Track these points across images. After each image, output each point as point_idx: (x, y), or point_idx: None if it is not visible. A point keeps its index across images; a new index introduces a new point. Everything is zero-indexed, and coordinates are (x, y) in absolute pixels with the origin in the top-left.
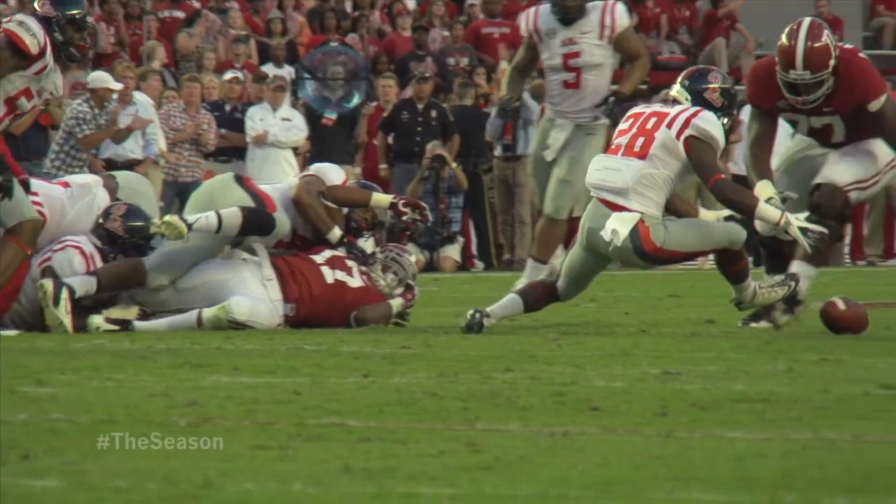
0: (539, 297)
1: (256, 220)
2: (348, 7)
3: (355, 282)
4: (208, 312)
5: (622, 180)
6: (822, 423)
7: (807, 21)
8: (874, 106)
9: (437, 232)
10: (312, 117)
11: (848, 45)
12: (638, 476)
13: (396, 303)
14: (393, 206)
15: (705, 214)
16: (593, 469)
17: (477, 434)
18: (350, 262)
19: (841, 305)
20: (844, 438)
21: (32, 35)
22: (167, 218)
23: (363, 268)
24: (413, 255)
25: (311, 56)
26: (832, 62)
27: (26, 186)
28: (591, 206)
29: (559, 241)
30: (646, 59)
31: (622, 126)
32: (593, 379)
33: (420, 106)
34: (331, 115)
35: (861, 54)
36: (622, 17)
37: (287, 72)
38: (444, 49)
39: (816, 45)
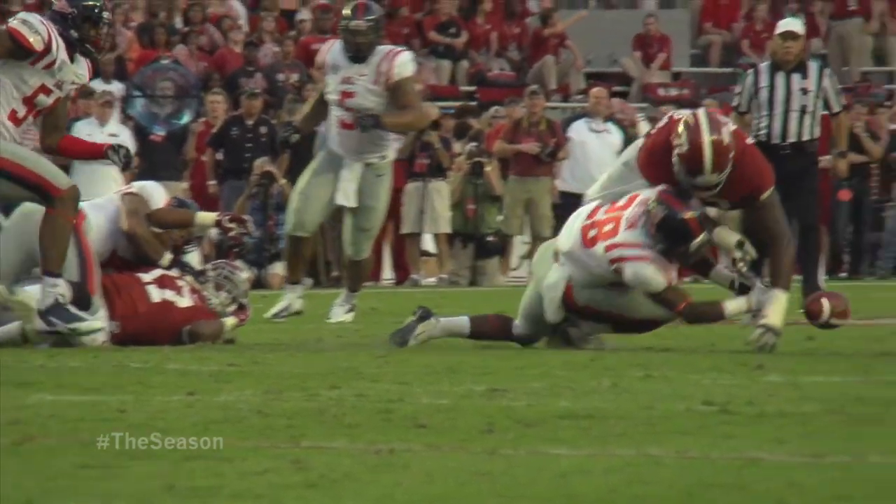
0: (492, 328)
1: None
2: (178, 22)
3: (185, 301)
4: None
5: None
6: (646, 439)
7: (703, 118)
8: (763, 197)
9: (265, 248)
10: (141, 133)
11: (731, 126)
12: (463, 493)
13: (230, 321)
14: (218, 223)
15: (721, 233)
16: (418, 486)
17: (302, 452)
18: (181, 282)
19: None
20: (668, 454)
21: (35, 32)
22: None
23: (196, 286)
24: (245, 273)
25: (141, 73)
26: (731, 154)
27: None
28: (540, 250)
29: (369, 270)
30: (419, 114)
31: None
32: (420, 396)
33: (249, 122)
34: (160, 132)
35: (749, 140)
36: (402, 67)
37: (116, 87)
38: (275, 65)
39: (722, 145)
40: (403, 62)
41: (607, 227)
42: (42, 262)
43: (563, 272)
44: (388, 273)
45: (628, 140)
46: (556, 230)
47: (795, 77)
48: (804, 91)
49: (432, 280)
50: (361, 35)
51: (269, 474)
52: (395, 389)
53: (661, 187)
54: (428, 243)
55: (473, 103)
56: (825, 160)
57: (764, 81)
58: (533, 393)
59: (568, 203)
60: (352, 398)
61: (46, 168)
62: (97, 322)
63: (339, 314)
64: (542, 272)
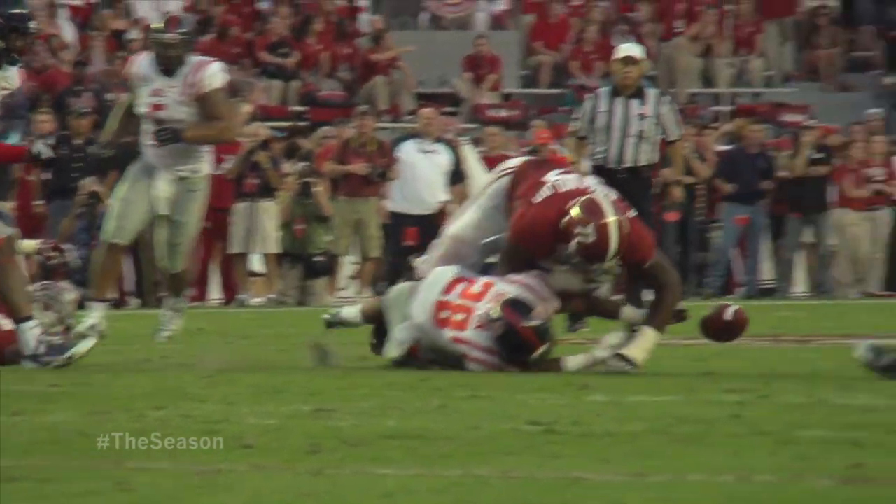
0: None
1: None
2: None
3: (6, 325)
4: None
5: None
6: (472, 459)
7: (604, 203)
8: (648, 265)
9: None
10: None
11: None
12: None
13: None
14: (39, 252)
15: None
16: None
17: (126, 473)
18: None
19: (728, 315)
20: (494, 474)
21: None
22: None
23: None
24: (72, 294)
25: None
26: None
27: None
28: (395, 293)
29: (189, 278)
30: (224, 126)
31: None
32: (246, 416)
33: (78, 141)
34: None
35: (630, 213)
36: (212, 78)
37: None
38: (104, 84)
39: (623, 229)
40: (212, 73)
41: (458, 317)
42: (13, 313)
43: (412, 334)
44: (215, 293)
45: (457, 161)
46: (385, 250)
47: (634, 102)
48: (642, 117)
49: (260, 300)
50: (173, 48)
51: (92, 496)
52: (221, 410)
53: (508, 291)
54: (256, 263)
55: (304, 123)
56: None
57: (603, 106)
58: (360, 413)
59: (397, 223)
60: (177, 419)
61: None
62: (88, 342)
63: (169, 322)
64: (395, 318)
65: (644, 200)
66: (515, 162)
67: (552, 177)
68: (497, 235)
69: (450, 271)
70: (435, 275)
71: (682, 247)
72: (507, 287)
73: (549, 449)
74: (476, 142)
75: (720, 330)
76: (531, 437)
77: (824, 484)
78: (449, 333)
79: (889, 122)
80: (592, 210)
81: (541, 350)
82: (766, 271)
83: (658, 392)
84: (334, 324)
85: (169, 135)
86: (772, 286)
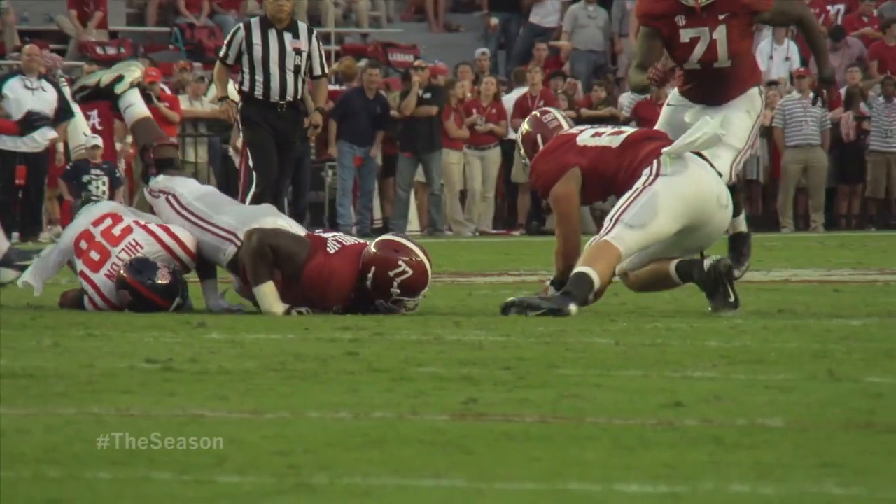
0: None
1: None
2: None
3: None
4: None
5: None
6: (86, 397)
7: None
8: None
9: None
10: None
11: None
12: None
13: None
14: None
15: None
16: None
17: None
18: None
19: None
20: (109, 413)
21: None
22: None
23: None
24: None
25: None
26: None
27: None
28: None
29: None
30: None
31: None
32: None
33: None
34: None
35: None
36: None
37: None
38: None
39: None
40: None
41: (94, 255)
42: None
43: (57, 258)
44: None
45: (64, 98)
46: None
47: (287, 36)
48: (297, 51)
49: None
50: None
51: None
52: None
53: (141, 243)
54: None
55: None
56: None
57: (257, 38)
58: None
59: (6, 161)
60: None
61: None
62: None
63: None
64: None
65: (299, 138)
66: None
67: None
68: None
69: (107, 205)
70: (97, 204)
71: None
72: (142, 237)
73: (166, 387)
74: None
75: None
76: (147, 374)
77: (440, 419)
78: (80, 266)
79: (496, 62)
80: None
81: (174, 305)
82: (378, 209)
83: (274, 330)
84: None
85: None
86: (385, 225)
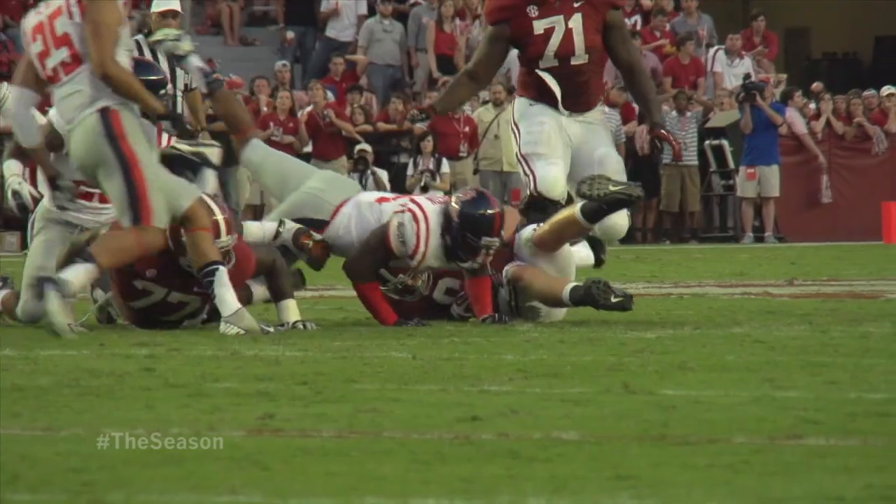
0: None
1: None
2: None
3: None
4: None
5: None
6: None
7: None
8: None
9: None
10: None
11: None
12: None
13: None
14: None
15: None
16: None
17: None
18: None
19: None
20: None
21: None
22: None
23: None
24: None
25: None
26: None
27: None
28: None
29: None
30: None
31: None
32: None
33: None
34: None
35: None
36: None
37: None
38: None
39: None
40: None
41: None
42: None
43: None
44: None
45: None
46: None
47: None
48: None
49: None
50: None
51: None
52: None
53: None
54: None
55: None
56: None
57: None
58: None
59: None
60: None
61: None
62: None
63: None
64: None
65: None
66: None
67: None
68: None
69: None
70: None
71: None
72: None
73: None
74: None
75: None
76: None
77: (236, 435)
78: None
79: (293, 76)
80: None
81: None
82: None
83: (69, 346)
84: None
85: None
86: None
